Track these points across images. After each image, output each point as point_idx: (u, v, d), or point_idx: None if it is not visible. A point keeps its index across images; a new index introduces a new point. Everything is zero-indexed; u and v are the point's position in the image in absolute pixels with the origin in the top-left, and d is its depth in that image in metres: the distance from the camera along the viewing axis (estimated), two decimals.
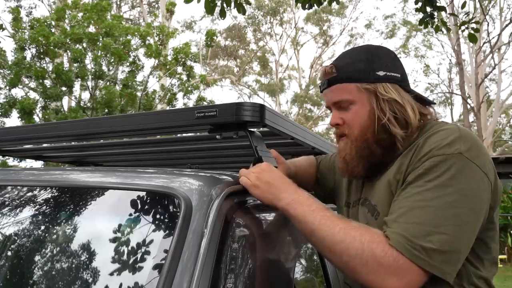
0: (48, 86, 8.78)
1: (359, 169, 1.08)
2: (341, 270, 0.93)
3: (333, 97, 1.10)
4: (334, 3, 4.49)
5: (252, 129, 1.24)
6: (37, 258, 0.99)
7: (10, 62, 8.74)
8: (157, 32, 10.15)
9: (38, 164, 8.97)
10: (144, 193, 1.02)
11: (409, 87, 1.09)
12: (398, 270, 0.85)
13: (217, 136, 1.23)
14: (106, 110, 8.97)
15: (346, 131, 1.09)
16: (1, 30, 7.60)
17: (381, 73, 1.05)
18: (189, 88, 10.50)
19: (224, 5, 3.91)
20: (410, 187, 0.93)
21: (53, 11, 10.09)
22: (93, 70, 9.02)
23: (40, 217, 1.07)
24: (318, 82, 1.19)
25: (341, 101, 1.08)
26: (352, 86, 1.06)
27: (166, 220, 0.96)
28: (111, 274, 0.89)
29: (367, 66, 1.06)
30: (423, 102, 1.10)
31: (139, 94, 9.68)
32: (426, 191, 0.90)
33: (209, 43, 10.91)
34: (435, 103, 1.13)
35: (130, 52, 9.51)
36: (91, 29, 9.26)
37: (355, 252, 0.88)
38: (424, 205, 0.89)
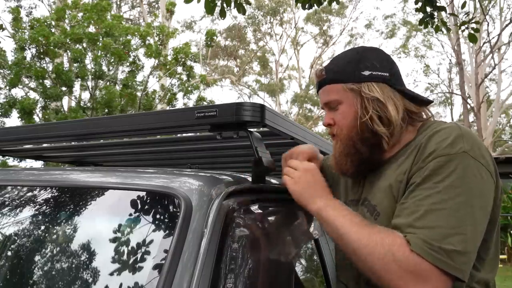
0: (48, 86, 8.77)
1: (348, 167, 1.11)
2: (368, 275, 0.94)
3: (323, 98, 1.14)
4: (334, 3, 4.49)
5: (251, 129, 1.24)
6: (37, 258, 0.99)
7: (10, 62, 8.73)
8: (157, 32, 10.14)
9: (38, 164, 8.97)
10: (144, 193, 1.02)
11: (402, 86, 1.10)
12: (421, 275, 0.85)
13: (217, 136, 1.23)
14: (106, 110, 8.96)
15: (336, 131, 1.12)
16: (1, 30, 7.60)
17: (366, 72, 1.07)
18: (189, 88, 10.49)
19: (224, 5, 3.91)
20: (420, 189, 0.93)
21: (53, 11, 10.08)
22: (93, 70, 9.02)
23: (40, 217, 1.07)
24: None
25: (330, 102, 1.11)
26: (338, 87, 1.09)
27: (166, 220, 0.96)
28: (111, 274, 0.89)
29: (353, 67, 1.08)
30: (418, 101, 1.10)
31: (139, 94, 9.68)
32: (437, 193, 0.90)
33: (209, 43, 10.91)
34: (432, 101, 1.13)
35: (130, 52, 9.50)
36: (91, 29, 9.25)
37: (377, 257, 0.89)
38: (438, 207, 0.89)
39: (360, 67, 1.08)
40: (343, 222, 0.98)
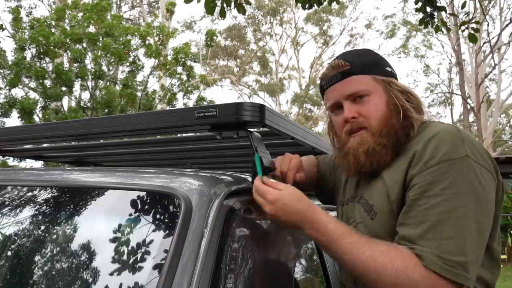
0: (48, 86, 8.77)
1: (388, 158, 1.05)
2: None
3: (348, 89, 1.09)
4: (334, 3, 4.49)
5: (251, 129, 1.24)
6: (37, 258, 0.99)
7: (10, 62, 8.73)
8: (157, 32, 10.14)
9: (38, 164, 8.97)
10: (144, 193, 1.01)
11: None
12: None
13: (217, 136, 1.23)
14: (106, 110, 8.96)
15: (366, 124, 1.07)
16: (1, 30, 7.60)
17: (388, 69, 1.12)
18: (189, 88, 10.49)
19: (224, 5, 3.91)
20: (425, 197, 0.92)
21: (53, 11, 10.09)
22: (93, 70, 9.02)
23: (40, 217, 1.07)
24: (319, 80, 1.19)
25: (357, 92, 1.08)
26: (368, 78, 1.09)
27: (166, 220, 0.96)
28: (111, 274, 0.89)
29: (378, 62, 1.12)
30: None
31: (139, 94, 9.67)
32: (444, 201, 0.90)
33: (209, 43, 10.90)
34: None
35: (130, 52, 9.50)
36: (91, 29, 9.25)
37: (388, 280, 0.87)
38: (447, 217, 0.89)
39: (383, 63, 1.12)
40: (338, 246, 0.94)
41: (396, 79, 1.13)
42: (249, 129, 1.21)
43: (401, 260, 0.87)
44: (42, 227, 1.06)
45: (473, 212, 0.89)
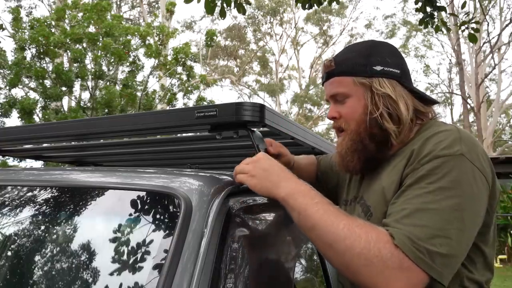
0: (48, 86, 8.77)
1: (354, 163, 1.08)
2: (341, 270, 0.90)
3: (330, 90, 1.11)
4: (334, 3, 4.49)
5: (252, 129, 1.24)
6: (37, 258, 0.99)
7: (10, 62, 8.73)
8: (157, 32, 10.15)
9: (38, 164, 8.96)
10: (144, 193, 1.01)
11: (410, 84, 1.08)
12: (402, 272, 0.83)
13: (217, 136, 1.23)
14: (106, 110, 8.96)
15: (343, 125, 1.09)
16: (1, 30, 7.60)
17: (378, 68, 1.05)
18: (189, 88, 10.50)
19: (224, 5, 3.91)
20: (412, 189, 0.91)
21: (53, 11, 10.09)
22: (93, 70, 9.02)
23: (40, 217, 1.07)
24: (320, 76, 1.21)
25: (337, 94, 1.09)
26: (348, 80, 1.07)
27: (166, 220, 0.96)
28: (111, 274, 0.89)
29: (365, 61, 1.06)
30: (425, 100, 1.09)
31: (139, 94, 9.68)
32: (428, 193, 0.89)
33: (209, 43, 10.91)
34: (438, 102, 1.12)
35: (130, 52, 9.50)
36: (91, 29, 9.25)
37: (359, 251, 0.84)
38: (427, 207, 0.87)
39: (372, 61, 1.06)
40: (316, 211, 0.90)
41: (394, 75, 1.05)
42: (250, 128, 1.21)
43: (375, 234, 0.86)
44: (42, 227, 1.06)
45: (455, 208, 0.87)
